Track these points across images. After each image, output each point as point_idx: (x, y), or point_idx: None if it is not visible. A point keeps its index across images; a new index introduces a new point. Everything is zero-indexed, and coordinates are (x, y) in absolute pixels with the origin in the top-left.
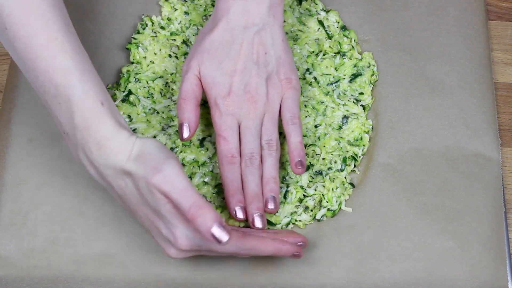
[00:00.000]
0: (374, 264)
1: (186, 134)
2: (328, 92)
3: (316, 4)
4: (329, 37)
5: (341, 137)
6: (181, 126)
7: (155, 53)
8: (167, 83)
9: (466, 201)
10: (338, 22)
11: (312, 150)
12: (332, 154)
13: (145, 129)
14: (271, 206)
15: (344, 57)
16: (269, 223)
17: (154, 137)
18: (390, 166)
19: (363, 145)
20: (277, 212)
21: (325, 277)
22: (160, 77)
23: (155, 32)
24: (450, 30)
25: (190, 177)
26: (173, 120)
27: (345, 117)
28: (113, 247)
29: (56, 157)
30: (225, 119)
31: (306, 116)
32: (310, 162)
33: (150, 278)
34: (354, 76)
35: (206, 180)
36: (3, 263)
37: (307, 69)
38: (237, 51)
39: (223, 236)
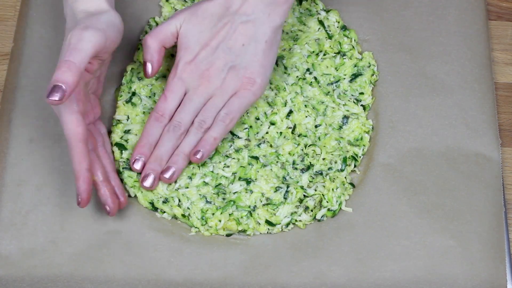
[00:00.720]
0: (374, 263)
1: (148, 71)
2: (329, 92)
3: (317, 4)
4: (329, 37)
5: (341, 137)
6: (145, 64)
7: None
8: None
9: (466, 200)
10: (339, 22)
11: (312, 150)
12: (332, 154)
13: (139, 130)
14: (167, 175)
15: (344, 57)
16: (269, 223)
17: None
18: (390, 166)
19: (363, 145)
20: (170, 183)
21: (325, 276)
22: (163, 76)
23: None
24: (450, 30)
25: (190, 178)
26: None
27: (345, 117)
28: (112, 246)
29: (56, 157)
30: (176, 82)
31: (306, 116)
32: (310, 162)
33: (149, 277)
34: (355, 76)
35: (206, 180)
36: (3, 262)
37: (307, 69)
38: (218, 29)
39: (52, 97)
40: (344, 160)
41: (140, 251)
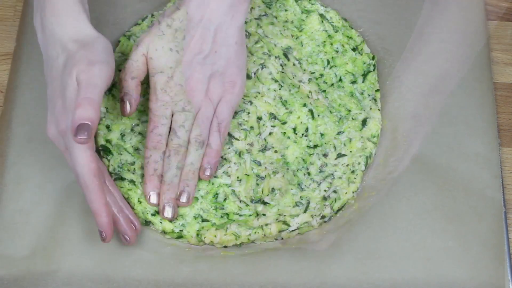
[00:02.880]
0: (374, 263)
1: (127, 110)
2: (352, 94)
3: (313, 4)
4: (334, 29)
5: (362, 137)
6: (122, 102)
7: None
8: None
9: (465, 201)
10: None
11: (335, 163)
12: (355, 157)
13: (115, 125)
14: (183, 199)
15: (355, 51)
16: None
17: (122, 136)
18: (390, 166)
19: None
20: (187, 205)
21: (325, 275)
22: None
23: (162, 32)
24: (451, 28)
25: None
26: (147, 115)
27: (366, 118)
28: (113, 245)
29: (57, 155)
30: (159, 106)
31: (326, 123)
32: (332, 174)
33: (149, 277)
34: (366, 73)
35: (199, 194)
36: (5, 262)
37: (327, 63)
38: (188, 43)
39: (81, 136)
40: (366, 159)
41: (140, 252)
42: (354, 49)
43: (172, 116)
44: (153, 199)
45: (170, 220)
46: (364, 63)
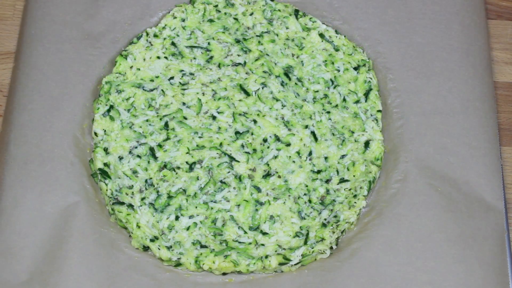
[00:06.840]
0: (376, 287)
1: None
2: (356, 115)
3: (314, 22)
4: (335, 48)
5: (365, 160)
6: None
7: (144, 59)
8: (152, 90)
9: (468, 222)
10: (339, 34)
11: (337, 188)
12: (359, 181)
13: (114, 147)
14: None
15: (357, 70)
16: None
17: (120, 158)
18: (392, 187)
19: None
20: None
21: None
22: (143, 87)
23: (150, 43)
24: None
25: (177, 217)
26: (145, 137)
27: (369, 141)
28: (111, 270)
29: (54, 177)
30: None
31: (329, 146)
32: (333, 199)
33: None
34: (367, 92)
35: (198, 220)
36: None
37: (331, 82)
38: None
39: None
40: (369, 184)
41: (138, 277)
42: (355, 68)
43: None
44: None
45: None
46: (365, 82)
